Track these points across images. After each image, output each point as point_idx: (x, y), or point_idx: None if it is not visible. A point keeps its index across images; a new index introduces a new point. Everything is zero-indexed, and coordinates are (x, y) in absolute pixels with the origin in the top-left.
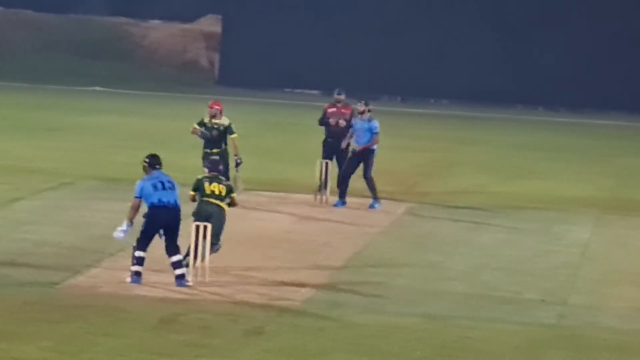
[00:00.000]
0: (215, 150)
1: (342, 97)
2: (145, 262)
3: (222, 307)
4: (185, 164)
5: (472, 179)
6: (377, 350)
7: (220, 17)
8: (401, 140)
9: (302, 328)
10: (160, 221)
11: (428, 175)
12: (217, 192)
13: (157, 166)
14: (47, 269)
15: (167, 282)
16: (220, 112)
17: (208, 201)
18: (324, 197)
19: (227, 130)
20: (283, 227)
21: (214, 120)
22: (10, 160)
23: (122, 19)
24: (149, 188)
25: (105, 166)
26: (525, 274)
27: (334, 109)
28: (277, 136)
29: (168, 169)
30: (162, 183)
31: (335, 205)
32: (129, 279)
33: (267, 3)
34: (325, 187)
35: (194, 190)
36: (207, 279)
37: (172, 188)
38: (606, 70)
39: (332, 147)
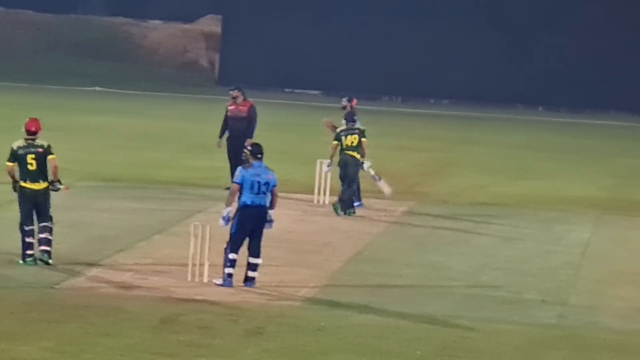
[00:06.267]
0: (34, 186)
1: (236, 93)
2: (237, 264)
3: (222, 307)
4: (186, 163)
5: (472, 179)
6: (377, 350)
7: (220, 17)
8: (401, 140)
9: (302, 328)
10: (251, 222)
11: (428, 175)
12: None
13: (259, 155)
14: (47, 269)
15: (168, 282)
16: (35, 132)
17: None
18: (322, 198)
19: (47, 153)
20: (283, 227)
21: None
22: None
23: (122, 19)
24: (248, 182)
25: (105, 166)
26: (525, 274)
27: (233, 107)
28: (277, 136)
29: (168, 169)
30: (259, 185)
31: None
32: (220, 281)
33: (267, 3)
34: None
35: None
36: (207, 279)
37: (266, 192)
38: (606, 71)
39: (233, 143)
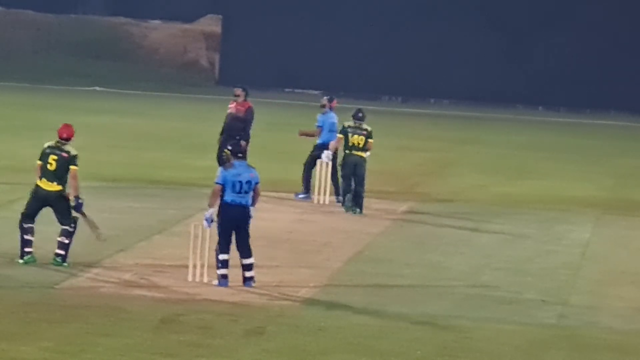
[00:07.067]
0: (47, 187)
1: (240, 91)
2: (229, 264)
3: (222, 307)
4: (186, 163)
5: (472, 179)
6: (377, 350)
7: (220, 17)
8: (401, 140)
9: (302, 328)
10: (233, 219)
11: (428, 175)
12: None
13: (240, 154)
14: (47, 269)
15: (168, 282)
16: (67, 139)
17: None
18: (322, 198)
19: (70, 161)
20: (283, 227)
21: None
22: (10, 160)
23: (122, 19)
24: (229, 183)
25: (105, 166)
26: (525, 274)
27: (233, 105)
28: (277, 136)
29: (168, 169)
30: (241, 185)
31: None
32: (215, 282)
33: (267, 3)
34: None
35: None
36: (207, 279)
37: (248, 191)
38: (606, 71)
39: (227, 142)
